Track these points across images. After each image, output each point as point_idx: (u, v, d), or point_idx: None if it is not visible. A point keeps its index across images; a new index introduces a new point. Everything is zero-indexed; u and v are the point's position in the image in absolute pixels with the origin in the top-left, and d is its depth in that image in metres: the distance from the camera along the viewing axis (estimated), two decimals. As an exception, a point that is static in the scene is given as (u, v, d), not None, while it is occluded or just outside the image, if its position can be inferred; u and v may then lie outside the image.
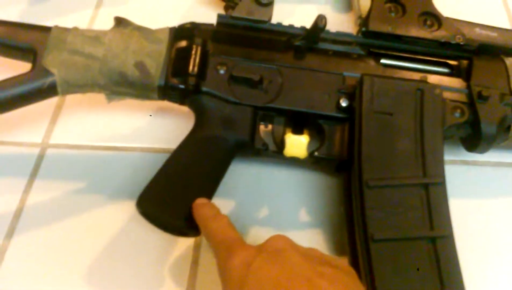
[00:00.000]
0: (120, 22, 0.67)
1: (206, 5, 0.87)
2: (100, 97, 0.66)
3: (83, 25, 0.83)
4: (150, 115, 0.74)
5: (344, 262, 0.52)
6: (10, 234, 0.65)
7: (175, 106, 0.68)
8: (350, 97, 0.63)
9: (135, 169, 0.70)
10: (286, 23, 0.68)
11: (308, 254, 0.49)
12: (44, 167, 0.70)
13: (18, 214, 0.66)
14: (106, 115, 0.75)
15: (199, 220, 0.56)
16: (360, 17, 0.78)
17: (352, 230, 0.59)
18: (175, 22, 0.68)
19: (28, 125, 0.74)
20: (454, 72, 0.67)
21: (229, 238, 0.52)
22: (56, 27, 0.65)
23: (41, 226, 0.65)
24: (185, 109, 0.67)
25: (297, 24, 0.68)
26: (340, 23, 0.85)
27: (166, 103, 0.67)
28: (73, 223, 0.66)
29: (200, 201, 0.57)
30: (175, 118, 0.74)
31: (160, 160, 0.61)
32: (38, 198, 0.68)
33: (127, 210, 0.66)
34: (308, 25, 0.65)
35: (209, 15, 0.69)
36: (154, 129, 0.74)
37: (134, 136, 0.73)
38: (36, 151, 0.72)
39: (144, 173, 0.62)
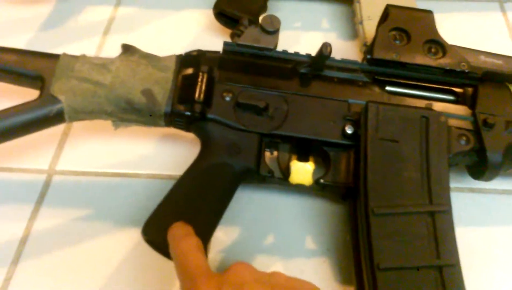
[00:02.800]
0: (127, 49, 0.68)
1: (212, 32, 0.88)
2: (107, 123, 0.66)
3: (91, 51, 0.85)
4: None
5: (310, 286, 0.51)
6: (16, 260, 0.65)
7: (181, 132, 0.68)
8: (356, 124, 0.63)
9: (141, 196, 0.70)
10: (291, 50, 0.68)
11: (272, 284, 0.48)
12: (50, 193, 0.70)
13: (24, 240, 0.66)
14: (112, 142, 0.75)
15: (170, 241, 0.54)
16: (365, 44, 0.79)
17: (358, 259, 0.58)
18: (182, 50, 0.68)
19: (35, 152, 0.74)
20: (459, 99, 0.67)
21: (194, 265, 0.50)
22: (65, 54, 0.66)
23: (47, 252, 0.65)
24: (190, 135, 0.68)
25: (303, 51, 0.68)
26: (345, 50, 0.85)
27: (171, 130, 0.67)
28: (79, 250, 0.65)
29: (176, 224, 0.56)
30: (180, 144, 0.74)
31: (166, 187, 0.61)
32: (44, 224, 0.68)
33: (133, 237, 0.66)
34: (314, 52, 0.66)
35: (215, 43, 0.69)
36: (160, 155, 0.74)
37: (140, 162, 0.73)
38: (42, 177, 0.72)
39: (150, 199, 0.62)
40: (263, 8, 0.85)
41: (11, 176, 0.72)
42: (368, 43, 0.76)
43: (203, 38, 0.88)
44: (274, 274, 0.50)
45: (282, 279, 0.50)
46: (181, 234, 0.54)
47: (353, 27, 0.88)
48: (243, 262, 0.51)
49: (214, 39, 0.86)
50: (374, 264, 0.55)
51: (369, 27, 0.79)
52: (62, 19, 0.92)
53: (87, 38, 0.88)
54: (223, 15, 0.84)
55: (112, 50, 0.71)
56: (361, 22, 0.81)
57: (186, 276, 0.50)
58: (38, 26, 0.90)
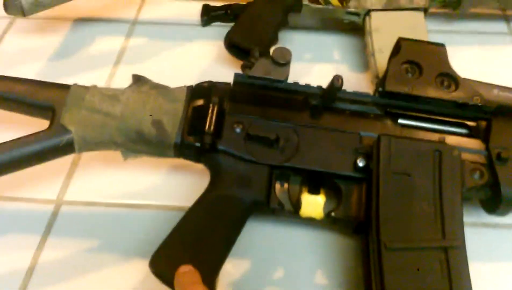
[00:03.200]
0: (138, 79, 0.68)
1: (224, 63, 0.88)
2: (116, 154, 0.66)
3: (102, 82, 0.85)
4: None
5: None
6: (22, 291, 0.64)
7: (190, 163, 0.67)
8: (367, 157, 0.62)
9: (149, 227, 0.69)
10: (303, 82, 0.68)
11: None
12: (58, 224, 0.70)
13: (30, 271, 0.65)
14: (121, 172, 0.75)
15: (177, 286, 0.54)
16: (377, 76, 0.79)
17: (371, 295, 0.57)
18: (193, 81, 0.68)
19: (43, 182, 0.74)
20: (472, 133, 0.66)
21: None
22: (75, 85, 0.66)
23: (54, 284, 0.64)
24: (200, 166, 0.67)
25: (314, 83, 0.68)
26: (356, 82, 0.85)
27: (181, 161, 0.67)
28: (86, 281, 0.65)
29: (182, 269, 0.55)
30: (190, 175, 0.74)
31: (174, 218, 0.61)
32: (51, 255, 0.67)
33: (141, 269, 0.65)
34: (325, 84, 0.65)
35: (226, 74, 0.69)
36: (169, 186, 0.73)
37: (149, 193, 0.73)
38: (50, 208, 0.71)
39: (159, 231, 0.62)
40: (274, 39, 0.85)
41: (18, 206, 0.72)
42: (380, 76, 0.76)
43: (214, 69, 0.88)
44: None
45: None
46: (188, 282, 0.53)
47: (364, 59, 0.88)
48: None
49: (225, 71, 0.86)
50: (386, 300, 0.54)
51: (381, 60, 0.79)
52: (73, 49, 0.92)
53: (98, 69, 0.89)
54: (234, 46, 0.84)
55: (123, 81, 0.71)
56: (372, 54, 0.81)
57: None
58: (49, 56, 0.91)
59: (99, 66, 0.89)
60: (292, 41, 0.92)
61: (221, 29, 0.91)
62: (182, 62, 0.90)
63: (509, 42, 0.93)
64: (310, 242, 0.67)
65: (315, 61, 0.89)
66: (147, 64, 0.90)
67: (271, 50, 0.68)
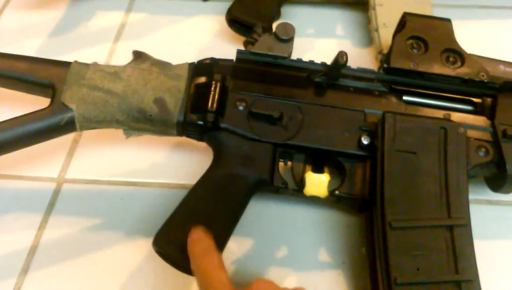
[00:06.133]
0: (138, 56, 0.67)
1: (225, 39, 0.87)
2: (117, 131, 0.66)
3: (102, 58, 0.84)
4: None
5: None
6: (24, 271, 0.64)
7: (192, 141, 0.67)
8: (372, 135, 0.62)
9: (152, 205, 0.69)
10: (305, 57, 0.67)
11: None
12: (59, 202, 0.70)
13: (33, 250, 0.65)
14: (122, 150, 0.74)
15: (191, 258, 0.54)
16: (381, 52, 0.78)
17: (375, 273, 0.57)
18: (193, 56, 0.68)
19: (44, 160, 0.73)
20: (478, 109, 0.65)
21: (216, 281, 0.50)
22: (76, 62, 0.65)
23: (56, 263, 0.64)
24: (202, 144, 0.67)
25: (317, 58, 0.67)
26: (359, 57, 0.84)
27: (183, 138, 0.66)
28: (89, 261, 0.64)
29: (195, 236, 0.55)
30: (192, 153, 0.73)
31: (177, 196, 0.60)
32: (54, 234, 0.67)
33: (144, 247, 0.65)
34: (328, 60, 0.65)
35: (228, 50, 0.69)
36: (171, 164, 0.73)
37: (151, 171, 0.72)
38: (52, 186, 0.71)
39: (161, 209, 0.62)
40: (277, 14, 0.84)
41: (19, 184, 0.71)
42: (384, 51, 0.75)
43: (215, 45, 0.87)
44: (296, 288, 0.50)
45: None
46: (202, 251, 0.53)
47: (367, 34, 0.87)
48: (265, 278, 0.50)
49: (227, 46, 0.85)
50: (391, 279, 0.54)
51: (385, 35, 0.78)
52: (72, 25, 0.91)
53: (98, 44, 0.88)
54: (236, 21, 0.83)
55: (123, 57, 0.70)
56: (376, 30, 0.79)
57: None
58: (48, 32, 0.90)
59: (99, 42, 0.88)
60: (295, 15, 0.90)
61: (222, 4, 0.90)
62: (183, 38, 0.89)
63: (516, 16, 0.92)
64: (314, 221, 0.67)
65: (317, 36, 0.88)
66: (147, 39, 0.89)
67: (274, 25, 0.67)
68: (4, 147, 0.62)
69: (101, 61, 0.83)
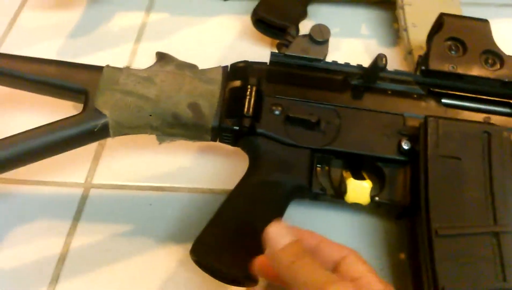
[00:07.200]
0: (162, 57, 0.66)
1: (250, 39, 0.86)
2: (142, 135, 0.64)
3: (124, 59, 0.83)
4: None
5: None
6: (55, 279, 0.62)
7: (219, 145, 0.66)
8: (412, 139, 0.60)
9: (182, 211, 0.67)
10: (331, 57, 0.66)
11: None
12: (87, 208, 0.68)
13: (63, 258, 0.64)
14: (149, 154, 0.73)
15: (278, 265, 0.46)
16: (410, 52, 0.76)
17: (418, 281, 0.56)
18: (216, 57, 0.66)
19: (71, 165, 0.72)
20: (518, 112, 0.64)
21: (319, 275, 0.43)
22: (108, 66, 0.64)
23: (87, 271, 0.63)
24: (230, 148, 0.65)
25: (343, 58, 0.66)
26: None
27: (210, 143, 0.65)
28: (120, 267, 0.63)
29: (275, 228, 0.49)
30: (221, 157, 0.72)
31: (206, 201, 0.60)
32: (83, 241, 0.65)
33: (175, 253, 0.64)
34: (356, 60, 0.64)
35: (253, 50, 0.67)
36: (200, 168, 0.71)
37: (179, 176, 0.71)
38: (79, 191, 0.70)
39: (191, 214, 0.61)
40: (303, 14, 0.83)
41: (45, 190, 0.70)
42: (414, 52, 0.74)
43: (240, 45, 0.85)
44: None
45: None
46: (292, 259, 0.45)
47: (393, 34, 0.85)
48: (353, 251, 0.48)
49: (251, 46, 0.84)
50: (438, 287, 0.52)
51: (414, 35, 0.77)
52: (91, 25, 0.89)
53: (119, 45, 0.86)
54: (262, 22, 0.81)
55: (145, 58, 0.68)
56: (405, 29, 0.78)
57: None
58: (68, 33, 0.88)
59: (120, 43, 0.86)
60: (321, 15, 0.89)
61: (242, 4, 0.89)
62: (205, 38, 0.87)
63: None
64: (351, 226, 0.66)
65: (343, 36, 0.86)
66: (169, 40, 0.87)
67: (301, 26, 0.66)
68: (37, 154, 0.61)
69: (124, 62, 0.82)
